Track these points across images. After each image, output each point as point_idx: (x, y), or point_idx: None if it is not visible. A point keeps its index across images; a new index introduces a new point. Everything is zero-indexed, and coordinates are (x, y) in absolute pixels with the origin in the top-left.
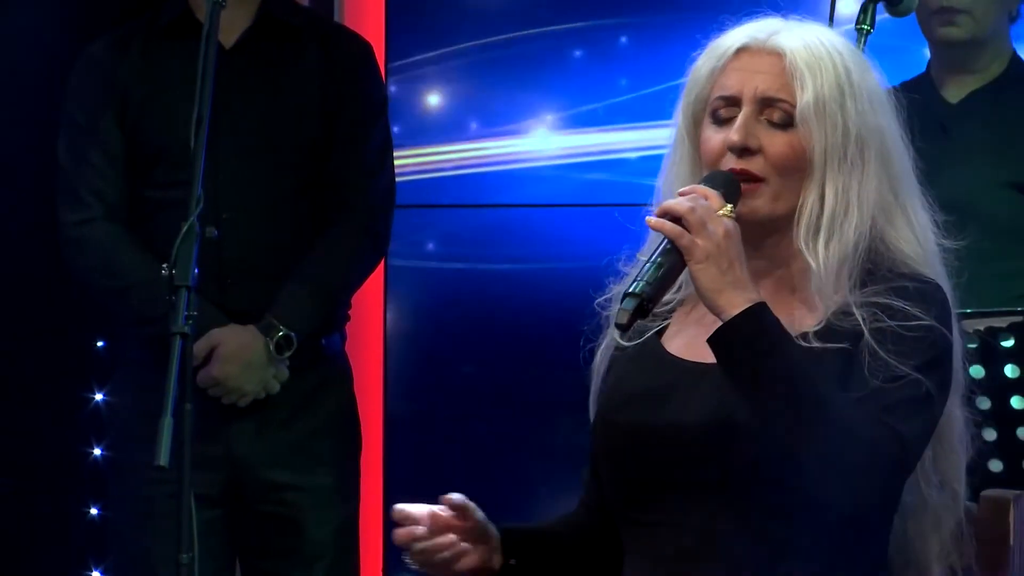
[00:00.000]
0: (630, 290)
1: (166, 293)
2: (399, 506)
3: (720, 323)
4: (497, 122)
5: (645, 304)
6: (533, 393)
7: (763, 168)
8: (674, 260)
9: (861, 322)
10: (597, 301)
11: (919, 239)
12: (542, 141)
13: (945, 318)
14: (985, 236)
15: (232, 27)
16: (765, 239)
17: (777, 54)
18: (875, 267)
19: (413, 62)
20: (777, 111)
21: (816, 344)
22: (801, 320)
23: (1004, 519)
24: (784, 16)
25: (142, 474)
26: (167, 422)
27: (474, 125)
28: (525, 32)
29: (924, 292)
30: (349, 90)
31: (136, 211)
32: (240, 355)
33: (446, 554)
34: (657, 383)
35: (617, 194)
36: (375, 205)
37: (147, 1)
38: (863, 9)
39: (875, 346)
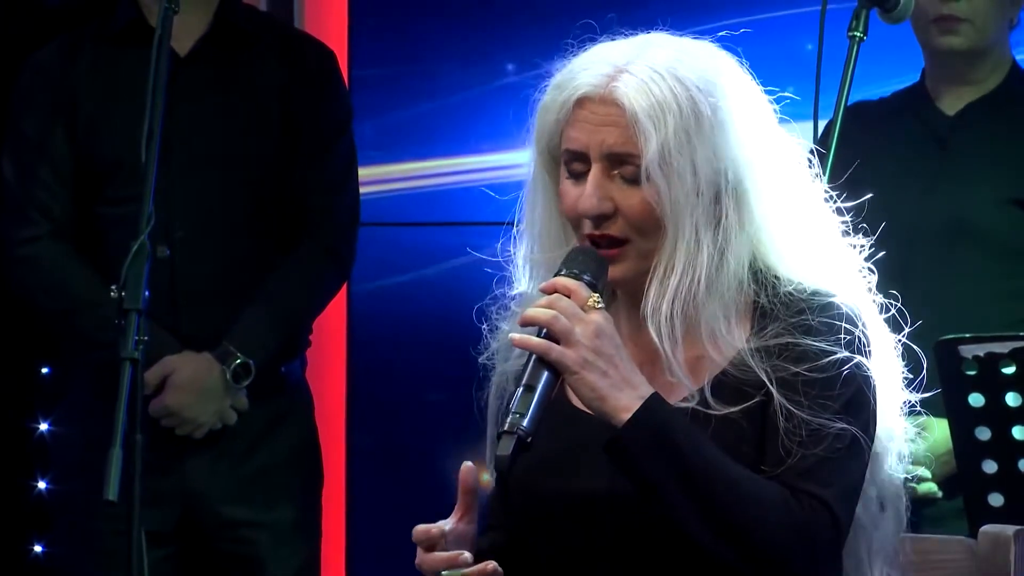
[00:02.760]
0: (505, 427)
1: (115, 316)
2: (424, 526)
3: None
4: (469, 136)
5: (524, 440)
6: None
7: (623, 230)
8: (547, 377)
9: (764, 377)
10: (480, 359)
11: (822, 262)
12: (518, 156)
13: (857, 343)
14: (984, 255)
15: (186, 33)
16: (641, 295)
17: (617, 105)
18: (770, 306)
19: (379, 71)
20: (629, 167)
21: (714, 404)
22: (698, 373)
23: (1004, 556)
24: (628, 34)
25: (89, 509)
26: (116, 454)
27: (443, 139)
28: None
29: (828, 319)
30: (311, 101)
31: (85, 229)
32: (195, 384)
33: None
34: (567, 445)
35: None
36: (338, 224)
37: (96, 6)
38: (855, 15)
39: (789, 405)
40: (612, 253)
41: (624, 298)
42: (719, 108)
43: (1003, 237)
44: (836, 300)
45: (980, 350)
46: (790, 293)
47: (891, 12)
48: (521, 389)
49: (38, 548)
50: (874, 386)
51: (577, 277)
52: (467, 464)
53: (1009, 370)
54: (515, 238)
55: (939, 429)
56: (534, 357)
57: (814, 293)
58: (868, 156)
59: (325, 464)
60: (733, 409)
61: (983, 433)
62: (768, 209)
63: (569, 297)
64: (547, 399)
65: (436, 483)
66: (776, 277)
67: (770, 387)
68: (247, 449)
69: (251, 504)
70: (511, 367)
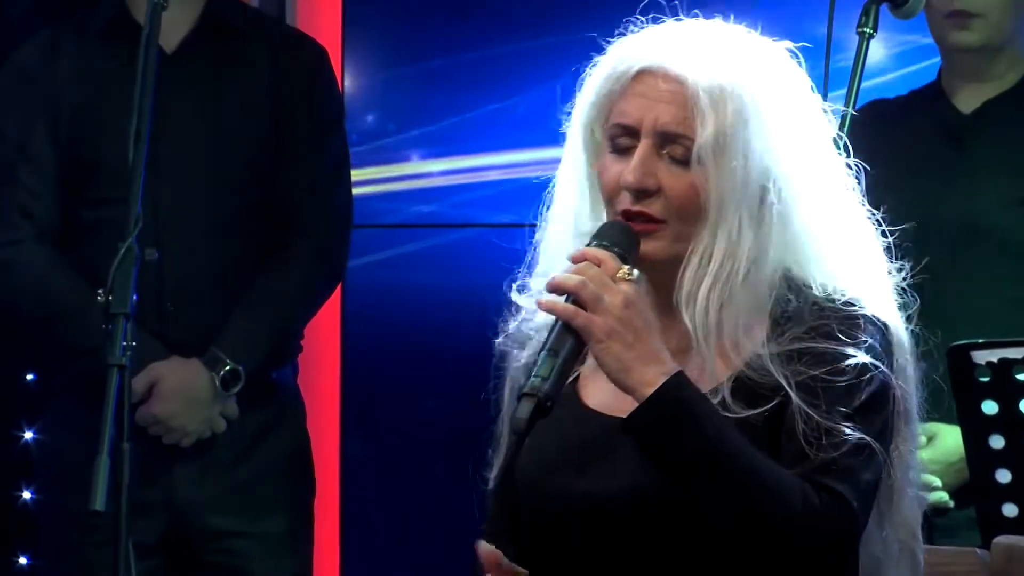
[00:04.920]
0: (526, 389)
1: (102, 321)
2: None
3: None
4: (467, 137)
5: (543, 403)
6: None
7: (663, 210)
8: (571, 344)
9: (783, 381)
10: (497, 341)
11: (854, 271)
12: (513, 156)
13: (879, 351)
14: (1000, 258)
15: (173, 29)
16: (671, 282)
17: (679, 81)
18: (794, 311)
19: (372, 69)
20: (679, 147)
21: (733, 406)
22: (717, 371)
23: (1019, 568)
24: (702, 15)
25: (75, 520)
26: (103, 463)
27: (440, 139)
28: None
29: (852, 327)
30: (301, 99)
31: (69, 232)
32: (183, 391)
33: None
34: (575, 444)
35: None
36: (330, 225)
37: (78, 0)
38: (865, 11)
39: (806, 408)
40: (646, 229)
41: (650, 287)
42: (779, 106)
43: (1019, 239)
44: (864, 311)
45: (993, 356)
46: (817, 300)
47: (901, 7)
48: (544, 353)
49: (23, 560)
50: (893, 396)
51: (607, 249)
52: (486, 549)
53: (1023, 376)
54: (539, 225)
55: (951, 436)
56: (560, 323)
57: (844, 303)
58: (884, 155)
59: (318, 473)
60: (753, 412)
61: (997, 441)
62: (811, 215)
63: (599, 267)
64: (570, 366)
65: (431, 493)
66: (807, 284)
67: (789, 391)
68: (236, 458)
69: (240, 514)
70: (527, 359)
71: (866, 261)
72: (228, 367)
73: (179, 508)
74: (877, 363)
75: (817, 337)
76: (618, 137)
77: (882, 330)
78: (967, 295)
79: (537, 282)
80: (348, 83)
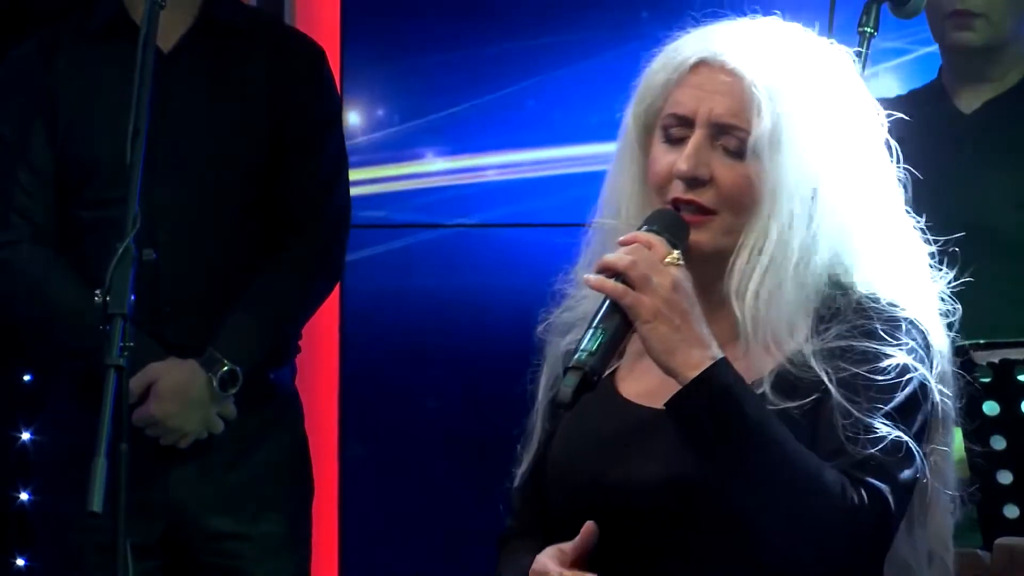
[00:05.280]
0: (572, 363)
1: (99, 322)
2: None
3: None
4: (466, 136)
5: (590, 378)
6: (508, 432)
7: (713, 200)
8: (619, 322)
9: (824, 377)
10: (538, 329)
11: (898, 274)
12: (514, 156)
13: (920, 354)
14: (1000, 259)
15: (170, 29)
16: (716, 274)
17: (737, 73)
18: (838, 309)
19: (371, 69)
20: (733, 139)
21: (773, 398)
22: (759, 364)
23: (1020, 569)
24: (759, 13)
25: (73, 521)
26: (100, 464)
27: (439, 138)
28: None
29: (894, 328)
30: (299, 99)
31: (65, 232)
32: (180, 392)
33: None
34: (611, 434)
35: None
36: (328, 225)
37: (76, 1)
38: (865, 10)
39: (846, 404)
40: (696, 219)
41: (695, 280)
42: (835, 105)
43: (1019, 240)
44: (907, 314)
45: (994, 357)
46: (861, 299)
47: (902, 7)
48: (591, 330)
49: (20, 561)
50: (931, 400)
51: (658, 234)
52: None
53: None
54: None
55: (953, 437)
56: (607, 302)
57: (887, 303)
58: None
59: (316, 474)
60: (792, 404)
61: (998, 442)
62: (860, 214)
63: (649, 250)
64: (616, 345)
65: (431, 493)
66: (851, 282)
67: (829, 386)
68: (234, 459)
69: (238, 516)
70: (566, 346)
71: (911, 265)
72: (226, 368)
73: (177, 509)
74: (917, 365)
75: (859, 335)
76: (672, 127)
77: (923, 334)
78: (968, 296)
79: (584, 272)
80: (347, 82)
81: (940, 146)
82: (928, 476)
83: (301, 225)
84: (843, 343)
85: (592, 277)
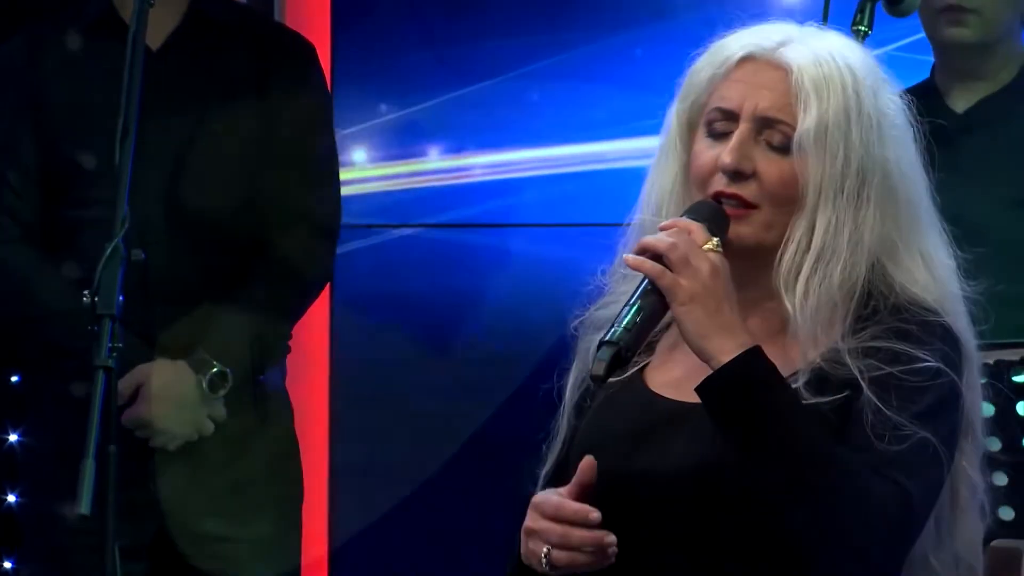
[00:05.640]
0: (606, 338)
1: (88, 323)
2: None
3: (709, 369)
4: (457, 136)
5: (623, 353)
6: (501, 433)
7: (756, 195)
8: (655, 302)
9: (857, 374)
10: (572, 325)
11: (934, 280)
12: (507, 154)
13: (953, 360)
14: (995, 259)
15: (159, 26)
16: (754, 270)
17: (783, 69)
18: (875, 309)
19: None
20: (777, 133)
21: (805, 393)
22: (793, 359)
23: (1015, 571)
24: (799, 22)
25: (61, 524)
26: (89, 466)
27: (430, 138)
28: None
29: (929, 332)
30: (289, 97)
31: (53, 232)
32: (169, 393)
33: None
34: (638, 425)
35: (587, 211)
36: (318, 224)
37: None
38: (860, 8)
39: (877, 401)
40: (738, 213)
41: (733, 275)
42: (880, 104)
43: (1015, 239)
44: (942, 320)
45: (989, 358)
46: (899, 302)
47: (896, 5)
48: (627, 308)
49: (7, 564)
50: (961, 406)
51: (698, 222)
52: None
53: (1020, 378)
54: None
55: (982, 446)
56: (645, 282)
57: (924, 308)
58: None
59: (306, 477)
60: (823, 399)
61: (993, 444)
62: (903, 222)
63: (689, 235)
64: (651, 326)
65: (422, 496)
66: (892, 285)
67: (861, 383)
68: (224, 461)
69: (228, 518)
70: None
71: (946, 270)
72: (215, 369)
73: (166, 512)
74: (949, 370)
75: (894, 337)
76: (716, 121)
77: (957, 341)
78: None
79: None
80: (338, 79)
81: (932, 145)
82: (960, 487)
83: (291, 225)
84: (878, 343)
85: (630, 256)
